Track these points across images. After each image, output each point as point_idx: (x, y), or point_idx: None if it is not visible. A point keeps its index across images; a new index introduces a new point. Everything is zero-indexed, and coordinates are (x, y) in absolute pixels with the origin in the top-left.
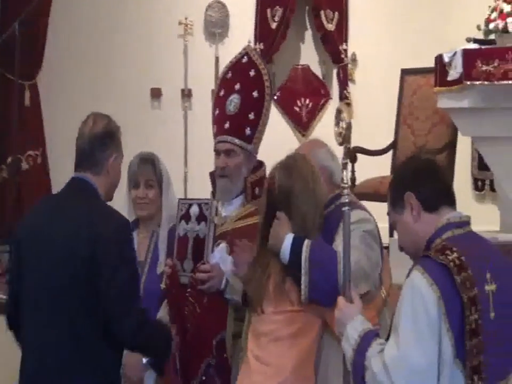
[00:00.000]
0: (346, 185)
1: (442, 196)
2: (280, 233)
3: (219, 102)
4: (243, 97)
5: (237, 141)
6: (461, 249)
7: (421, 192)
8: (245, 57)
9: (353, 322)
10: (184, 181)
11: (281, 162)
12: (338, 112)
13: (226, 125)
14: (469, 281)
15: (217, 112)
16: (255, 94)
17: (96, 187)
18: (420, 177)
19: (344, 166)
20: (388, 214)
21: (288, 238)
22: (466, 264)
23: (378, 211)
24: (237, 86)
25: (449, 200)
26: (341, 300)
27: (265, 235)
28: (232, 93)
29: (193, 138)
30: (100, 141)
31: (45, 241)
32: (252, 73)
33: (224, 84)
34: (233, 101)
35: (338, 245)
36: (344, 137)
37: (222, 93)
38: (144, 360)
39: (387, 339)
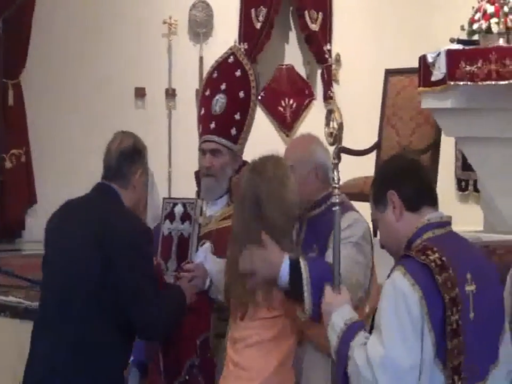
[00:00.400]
0: (337, 185)
1: (424, 196)
2: (273, 260)
3: (205, 101)
4: (229, 97)
5: (223, 140)
6: (441, 250)
7: (403, 191)
8: (231, 57)
9: (340, 310)
10: (168, 181)
11: (250, 164)
12: (330, 112)
13: (212, 125)
14: (450, 281)
15: (202, 111)
16: (241, 94)
17: (121, 195)
18: (403, 176)
19: (335, 166)
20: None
21: (285, 264)
22: (447, 265)
23: (362, 211)
24: (223, 86)
25: (431, 200)
26: (328, 290)
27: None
28: (218, 93)
29: (177, 138)
30: (127, 156)
31: (64, 239)
32: (238, 73)
33: (210, 84)
34: (219, 101)
35: (330, 254)
36: (335, 137)
37: (207, 92)
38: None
39: None
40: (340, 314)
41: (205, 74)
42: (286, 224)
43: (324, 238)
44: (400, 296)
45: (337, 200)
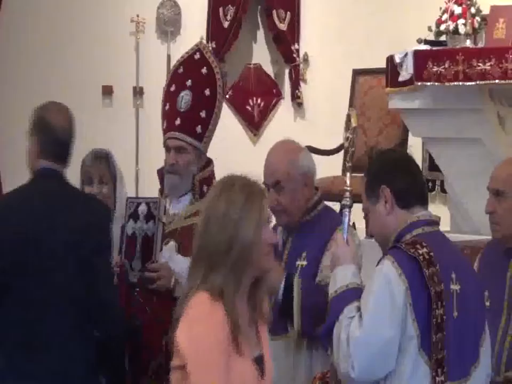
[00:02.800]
0: (349, 189)
1: (416, 194)
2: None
3: (169, 97)
4: (194, 95)
5: (188, 138)
6: (430, 246)
7: (396, 187)
8: (198, 53)
9: (347, 267)
10: (136, 179)
11: (222, 178)
12: (349, 117)
13: (177, 122)
14: (436, 276)
15: (167, 107)
16: (207, 92)
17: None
18: (398, 173)
19: (348, 169)
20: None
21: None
22: (435, 261)
23: None
24: (189, 82)
25: (422, 199)
26: (340, 237)
27: None
28: (183, 89)
29: (145, 136)
30: None
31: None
32: (204, 70)
33: (175, 79)
34: (185, 98)
35: (324, 268)
36: (350, 142)
37: (172, 88)
38: None
39: None
40: (345, 272)
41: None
42: (228, 258)
43: (315, 246)
44: (386, 283)
45: (348, 203)
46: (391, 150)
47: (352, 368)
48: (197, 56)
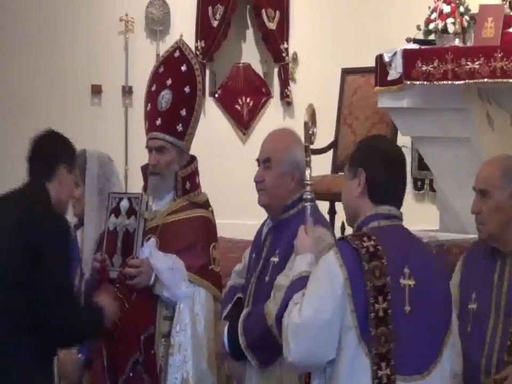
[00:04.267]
0: (309, 183)
1: (388, 194)
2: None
3: (151, 97)
4: (175, 93)
5: (168, 137)
6: (380, 239)
7: (371, 178)
8: (177, 51)
9: (303, 257)
10: (125, 178)
11: None
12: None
13: (158, 121)
14: (379, 270)
15: (149, 107)
16: (186, 89)
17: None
18: (378, 166)
19: (308, 164)
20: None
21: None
22: (382, 254)
23: (321, 208)
24: (169, 81)
25: (394, 201)
26: (302, 229)
27: None
28: (164, 88)
29: (134, 136)
30: None
31: None
32: (184, 68)
33: (156, 79)
34: (165, 97)
35: (287, 273)
36: (306, 137)
37: (154, 88)
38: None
39: None
40: (302, 261)
41: None
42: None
43: (286, 246)
44: (327, 272)
45: (309, 196)
46: (388, 140)
47: (288, 352)
48: (177, 54)
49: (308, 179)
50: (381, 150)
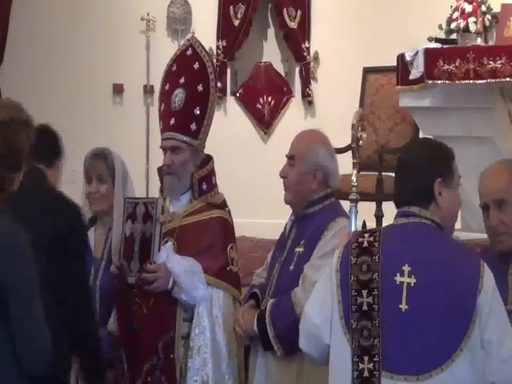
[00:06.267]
0: (355, 184)
1: (396, 197)
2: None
3: (164, 96)
4: (188, 92)
5: (182, 137)
6: (386, 236)
7: (394, 184)
8: (189, 49)
9: None
10: (146, 177)
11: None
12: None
13: (172, 121)
14: (367, 265)
15: (162, 107)
16: (199, 88)
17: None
18: (396, 172)
19: (354, 166)
20: None
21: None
22: (375, 251)
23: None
24: (182, 80)
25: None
26: (344, 229)
27: None
28: (177, 87)
29: (155, 135)
30: None
31: None
32: (196, 65)
33: (169, 78)
34: (178, 96)
35: (315, 264)
36: (353, 139)
37: (167, 87)
38: None
39: None
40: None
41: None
42: None
43: (311, 237)
44: (331, 264)
45: (354, 197)
46: (414, 143)
47: (299, 341)
48: (189, 52)
49: (354, 181)
50: (400, 158)
